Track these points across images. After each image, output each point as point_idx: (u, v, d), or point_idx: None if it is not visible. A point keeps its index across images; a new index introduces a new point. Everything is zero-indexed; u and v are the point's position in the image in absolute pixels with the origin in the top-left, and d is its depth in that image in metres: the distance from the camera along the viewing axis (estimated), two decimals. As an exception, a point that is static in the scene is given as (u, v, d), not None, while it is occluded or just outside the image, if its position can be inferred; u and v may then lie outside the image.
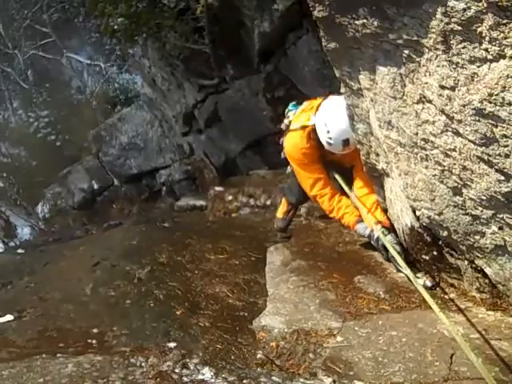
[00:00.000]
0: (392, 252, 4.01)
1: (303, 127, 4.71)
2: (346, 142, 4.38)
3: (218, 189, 7.74)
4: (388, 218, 4.41)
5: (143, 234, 6.05)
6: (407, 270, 3.76)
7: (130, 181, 12.45)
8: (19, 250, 6.55)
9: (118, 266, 4.90)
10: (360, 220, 4.56)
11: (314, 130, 4.60)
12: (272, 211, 6.34)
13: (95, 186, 12.76)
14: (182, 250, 5.22)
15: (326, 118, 4.45)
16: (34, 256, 6.04)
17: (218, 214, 7.27)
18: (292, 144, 4.77)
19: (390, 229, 4.34)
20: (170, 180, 11.87)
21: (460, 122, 2.71)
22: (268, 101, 8.50)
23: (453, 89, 2.66)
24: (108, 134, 12.48)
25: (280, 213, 5.47)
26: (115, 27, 8.57)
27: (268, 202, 6.71)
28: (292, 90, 7.76)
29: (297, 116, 4.95)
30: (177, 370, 2.99)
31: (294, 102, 5.30)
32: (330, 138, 4.41)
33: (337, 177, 4.78)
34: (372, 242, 4.47)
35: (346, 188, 4.66)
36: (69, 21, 17.13)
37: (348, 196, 4.66)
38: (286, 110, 5.28)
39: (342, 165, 4.80)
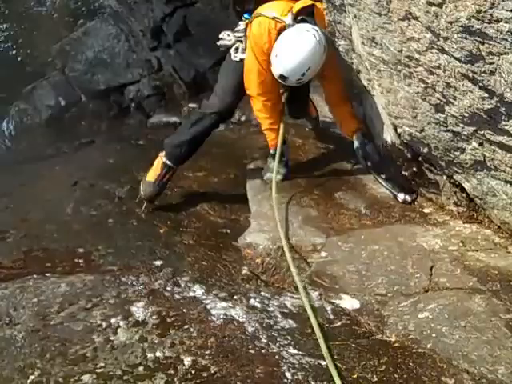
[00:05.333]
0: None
1: (276, 19, 4.11)
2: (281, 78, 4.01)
3: (191, 105, 7.63)
4: (365, 125, 4.41)
5: (118, 152, 6.03)
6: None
7: (98, 97, 12.09)
8: (-9, 171, 6.42)
9: (96, 185, 4.89)
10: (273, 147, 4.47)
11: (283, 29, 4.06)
12: (247, 127, 6.32)
13: (62, 103, 12.35)
14: (160, 168, 5.17)
15: (282, 42, 3.98)
16: (9, 176, 5.94)
17: (192, 130, 7.18)
18: (261, 30, 4.16)
19: (368, 136, 4.33)
20: (139, 96, 11.61)
21: (446, 39, 2.70)
22: (238, 14, 8.28)
23: (440, 5, 2.63)
24: (73, 48, 12.05)
25: None
26: None
27: (242, 119, 6.62)
28: (263, 2, 7.55)
29: (269, 5, 4.29)
30: (168, 288, 3.06)
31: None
32: (273, 62, 4.00)
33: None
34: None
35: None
36: None
37: None
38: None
39: None
